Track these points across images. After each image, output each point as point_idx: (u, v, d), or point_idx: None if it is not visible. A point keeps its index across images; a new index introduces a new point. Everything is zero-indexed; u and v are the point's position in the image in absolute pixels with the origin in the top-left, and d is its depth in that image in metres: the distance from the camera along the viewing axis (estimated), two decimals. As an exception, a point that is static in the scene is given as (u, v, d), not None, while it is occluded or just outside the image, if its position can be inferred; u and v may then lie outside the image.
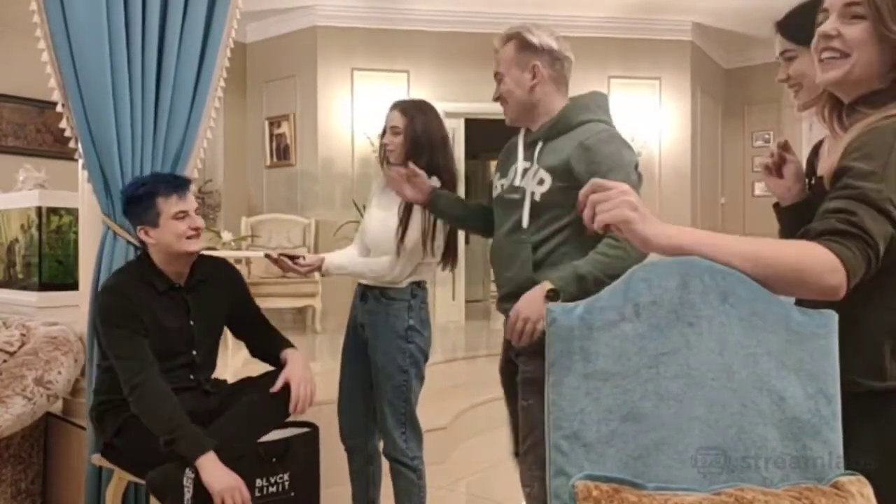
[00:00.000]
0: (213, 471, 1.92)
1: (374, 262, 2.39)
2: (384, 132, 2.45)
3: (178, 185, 2.19)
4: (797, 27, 1.42)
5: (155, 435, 1.99)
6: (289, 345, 2.33)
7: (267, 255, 2.47)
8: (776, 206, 1.49)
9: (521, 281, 1.89)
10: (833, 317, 1.08)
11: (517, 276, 1.93)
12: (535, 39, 1.95)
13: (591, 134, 1.87)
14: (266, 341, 2.36)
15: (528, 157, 1.98)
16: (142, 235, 2.18)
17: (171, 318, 2.18)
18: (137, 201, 2.16)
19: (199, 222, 2.19)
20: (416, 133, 2.37)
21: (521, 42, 1.96)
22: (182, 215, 2.15)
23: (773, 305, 1.06)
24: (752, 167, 7.89)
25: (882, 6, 1.13)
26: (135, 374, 2.03)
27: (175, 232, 2.14)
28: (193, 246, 2.18)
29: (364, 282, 2.44)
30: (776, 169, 1.46)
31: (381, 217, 2.43)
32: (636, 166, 1.87)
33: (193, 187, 2.33)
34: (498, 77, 2.01)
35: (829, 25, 1.16)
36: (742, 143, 8.05)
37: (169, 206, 2.14)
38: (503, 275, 2.00)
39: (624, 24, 6.79)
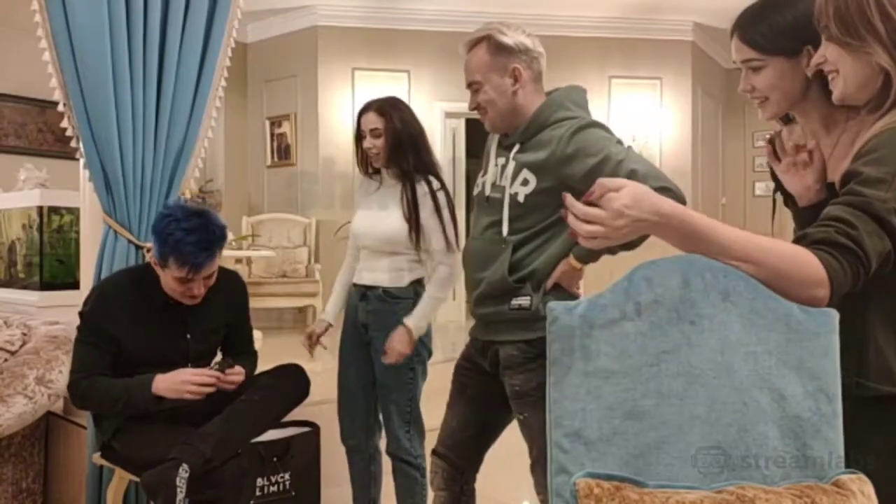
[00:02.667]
0: (164, 384, 2.02)
1: (440, 283, 2.34)
2: (362, 137, 2.39)
3: (197, 260, 2.00)
4: (761, 35, 1.27)
5: (149, 436, 2.01)
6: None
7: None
8: (791, 202, 1.37)
9: (496, 281, 1.82)
10: (834, 315, 1.08)
11: (493, 277, 1.83)
12: (508, 40, 1.81)
13: (565, 130, 1.77)
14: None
15: (504, 155, 1.89)
16: (150, 259, 2.14)
17: (164, 332, 2.14)
18: (157, 237, 2.03)
19: (200, 291, 2.09)
20: (398, 131, 2.34)
21: (494, 44, 1.81)
22: (184, 281, 2.05)
23: (773, 304, 1.06)
24: (753, 167, 7.89)
25: (831, 26, 1.15)
26: (74, 379, 2.08)
27: (170, 287, 2.09)
28: (186, 302, 2.12)
29: (364, 282, 2.43)
30: (804, 163, 1.31)
31: (380, 217, 2.41)
32: (618, 141, 1.78)
33: (194, 186, 2.27)
34: (474, 86, 1.86)
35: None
36: (742, 143, 8.04)
37: (176, 270, 2.02)
38: (477, 275, 1.88)
39: (624, 24, 6.78)
